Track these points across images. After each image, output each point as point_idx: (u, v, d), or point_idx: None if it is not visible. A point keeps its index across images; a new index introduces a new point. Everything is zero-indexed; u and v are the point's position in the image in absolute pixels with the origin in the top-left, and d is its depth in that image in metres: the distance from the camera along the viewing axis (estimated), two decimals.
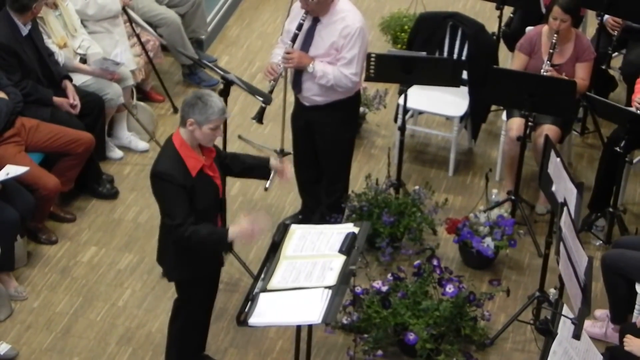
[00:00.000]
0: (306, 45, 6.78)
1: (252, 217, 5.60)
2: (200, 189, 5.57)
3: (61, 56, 7.60)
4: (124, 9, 8.14)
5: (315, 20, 6.74)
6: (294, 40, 6.78)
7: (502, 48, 8.66)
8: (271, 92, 6.89)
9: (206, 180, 5.62)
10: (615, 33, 8.32)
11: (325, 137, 6.98)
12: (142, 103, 8.43)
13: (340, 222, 7.10)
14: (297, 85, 6.90)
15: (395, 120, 8.24)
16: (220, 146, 6.86)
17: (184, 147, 5.55)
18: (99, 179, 7.71)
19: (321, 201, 7.25)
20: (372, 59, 7.10)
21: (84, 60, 7.82)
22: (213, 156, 5.69)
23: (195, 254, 5.69)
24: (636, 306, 6.36)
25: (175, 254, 5.74)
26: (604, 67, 8.24)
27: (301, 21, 6.74)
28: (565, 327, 5.08)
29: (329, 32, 6.70)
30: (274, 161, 6.00)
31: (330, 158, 7.07)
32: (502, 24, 8.64)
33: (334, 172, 7.15)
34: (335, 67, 6.71)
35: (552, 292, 6.60)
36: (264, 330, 6.62)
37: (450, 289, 6.41)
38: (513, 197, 7.44)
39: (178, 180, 5.49)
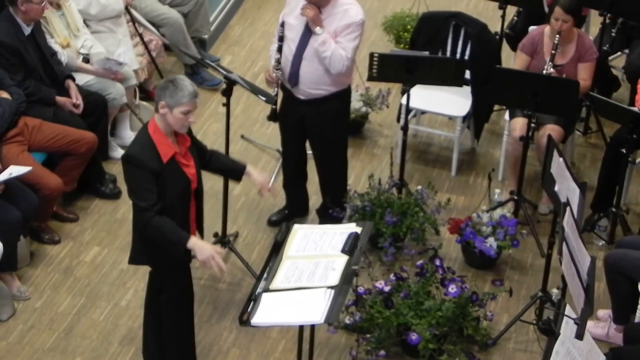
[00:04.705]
0: (305, 37, 6.77)
1: (222, 252, 5.77)
2: (170, 177, 5.57)
3: (64, 56, 7.60)
4: (126, 9, 8.13)
5: None
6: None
7: (505, 48, 8.66)
8: (277, 95, 6.90)
9: (177, 168, 5.62)
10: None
11: (322, 129, 6.96)
12: (144, 103, 8.44)
13: (342, 217, 7.12)
14: (293, 78, 6.88)
15: (398, 120, 8.23)
16: (223, 146, 6.89)
17: (157, 133, 5.56)
18: (101, 178, 7.71)
19: (305, 195, 7.36)
20: (375, 59, 7.10)
21: (86, 60, 7.82)
22: (187, 145, 5.70)
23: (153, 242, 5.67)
24: (639, 306, 6.36)
25: (139, 239, 5.74)
26: (605, 48, 8.21)
27: (279, 34, 6.80)
28: (567, 327, 5.07)
29: (330, 22, 6.71)
30: (255, 174, 6.09)
31: (327, 152, 7.07)
32: (505, 25, 8.63)
33: (332, 167, 7.16)
34: (336, 45, 6.71)
35: (554, 292, 6.60)
36: (266, 330, 6.62)
37: (452, 289, 6.41)
38: (516, 197, 7.44)
39: (147, 166, 5.49)
